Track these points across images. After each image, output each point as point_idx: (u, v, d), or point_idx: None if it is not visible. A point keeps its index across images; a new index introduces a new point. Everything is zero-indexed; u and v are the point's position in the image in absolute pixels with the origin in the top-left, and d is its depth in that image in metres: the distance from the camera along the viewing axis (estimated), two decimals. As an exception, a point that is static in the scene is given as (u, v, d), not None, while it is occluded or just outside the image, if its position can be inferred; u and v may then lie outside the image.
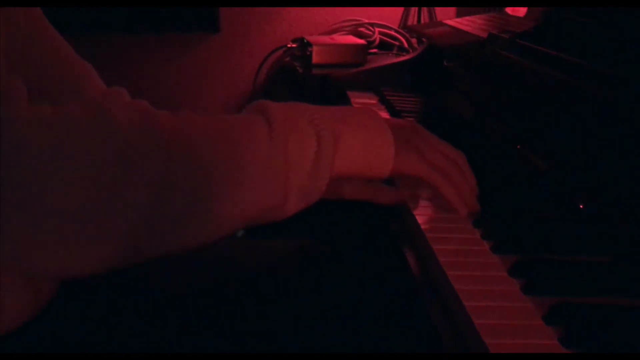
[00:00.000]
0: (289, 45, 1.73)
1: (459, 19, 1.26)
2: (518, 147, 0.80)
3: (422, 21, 1.90)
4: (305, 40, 1.61)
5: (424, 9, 1.88)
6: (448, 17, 2.06)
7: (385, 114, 1.07)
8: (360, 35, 1.80)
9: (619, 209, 0.60)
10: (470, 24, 1.19)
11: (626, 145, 0.64)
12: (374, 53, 1.73)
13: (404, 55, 1.36)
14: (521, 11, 1.05)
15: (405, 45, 1.81)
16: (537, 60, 0.80)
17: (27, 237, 0.45)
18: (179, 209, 0.50)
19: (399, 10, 1.92)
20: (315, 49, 1.49)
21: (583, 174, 0.67)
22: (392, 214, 0.71)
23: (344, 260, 0.80)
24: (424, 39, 1.25)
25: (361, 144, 0.61)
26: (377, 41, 1.78)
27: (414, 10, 1.89)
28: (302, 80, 1.43)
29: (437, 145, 0.66)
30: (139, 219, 0.48)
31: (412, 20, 1.90)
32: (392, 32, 1.84)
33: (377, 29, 1.80)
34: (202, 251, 0.55)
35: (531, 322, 0.46)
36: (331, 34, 1.78)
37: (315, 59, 1.49)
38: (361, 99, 1.21)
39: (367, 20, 1.85)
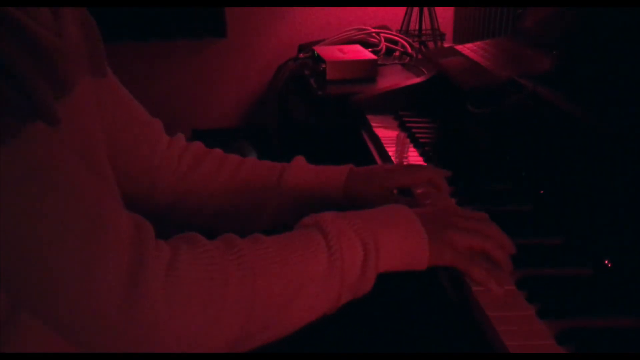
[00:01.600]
0: (300, 56, 1.80)
1: (469, 45, 1.34)
2: (541, 191, 0.91)
3: (423, 25, 1.98)
4: (316, 54, 1.69)
5: (425, 11, 1.96)
6: (448, 14, 2.16)
7: (411, 147, 1.16)
8: (367, 42, 1.88)
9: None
10: (483, 52, 1.27)
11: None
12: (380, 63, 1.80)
13: (417, 78, 1.44)
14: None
15: (409, 50, 1.89)
16: (554, 113, 0.90)
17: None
18: (262, 320, 0.64)
19: (400, 12, 2.00)
20: (329, 65, 1.57)
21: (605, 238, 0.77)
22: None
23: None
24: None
25: (399, 249, 0.71)
26: (384, 49, 1.86)
27: (415, 11, 1.96)
28: (318, 97, 1.51)
29: (465, 223, 0.75)
30: (240, 329, 0.62)
31: (413, 24, 1.98)
32: (396, 37, 1.92)
33: (382, 36, 1.88)
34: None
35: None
36: (338, 43, 1.85)
37: (329, 75, 1.57)
38: (381, 123, 1.30)
39: (371, 27, 1.93)
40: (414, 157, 1.12)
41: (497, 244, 0.75)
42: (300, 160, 0.98)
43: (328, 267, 0.66)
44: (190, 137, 2.14)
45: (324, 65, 1.59)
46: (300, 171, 0.96)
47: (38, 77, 0.56)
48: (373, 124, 1.30)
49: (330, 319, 0.70)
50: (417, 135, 1.19)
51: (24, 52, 0.56)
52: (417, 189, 0.96)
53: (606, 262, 0.74)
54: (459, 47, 1.34)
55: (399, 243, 0.71)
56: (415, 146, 1.16)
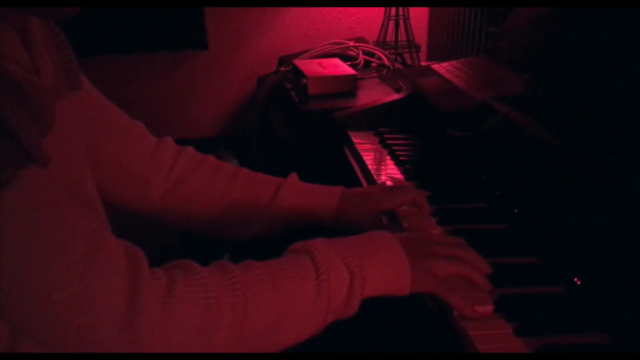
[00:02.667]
0: (281, 69, 1.85)
1: (444, 64, 1.40)
2: (515, 210, 0.97)
3: (399, 36, 2.04)
4: (297, 68, 1.74)
5: (401, 23, 2.02)
6: (422, 25, 2.22)
7: (391, 164, 1.21)
8: (345, 55, 1.93)
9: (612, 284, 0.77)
10: (458, 72, 1.34)
11: (608, 224, 0.81)
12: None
13: (395, 94, 1.50)
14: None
15: (386, 62, 1.95)
16: (525, 138, 0.97)
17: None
18: (253, 342, 0.69)
19: (377, 24, 2.06)
20: (310, 81, 1.62)
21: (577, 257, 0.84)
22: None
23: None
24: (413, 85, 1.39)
25: (383, 277, 0.76)
26: (362, 63, 1.91)
27: (391, 24, 2.02)
28: (300, 113, 1.56)
29: (444, 250, 0.80)
30: (231, 350, 0.68)
31: (390, 36, 2.04)
32: (373, 50, 1.98)
33: (360, 50, 1.94)
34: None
35: None
36: (318, 56, 1.90)
37: (311, 90, 1.62)
38: (362, 139, 1.36)
39: (349, 39, 1.98)
40: (394, 174, 1.18)
41: (474, 267, 0.80)
42: (294, 179, 1.02)
43: (316, 293, 0.71)
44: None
45: (305, 80, 1.64)
46: (294, 191, 1.00)
47: (25, 121, 0.59)
48: (355, 140, 1.35)
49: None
50: (397, 153, 1.25)
51: (10, 98, 0.59)
52: (399, 208, 1.02)
53: (576, 280, 0.81)
54: (435, 67, 1.40)
55: (383, 271, 0.76)
56: (395, 164, 1.22)
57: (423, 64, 1.60)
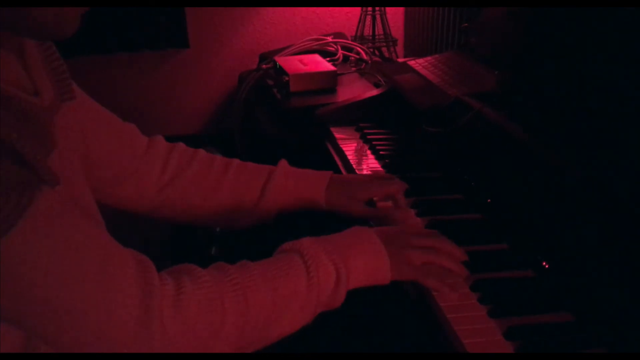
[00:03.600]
0: (263, 67, 1.90)
1: (420, 60, 1.47)
2: (488, 200, 1.04)
3: (376, 30, 2.10)
4: (278, 65, 1.79)
5: (378, 17, 2.07)
6: (399, 19, 2.28)
7: (372, 159, 1.28)
8: (325, 51, 1.99)
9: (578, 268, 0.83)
10: (433, 69, 1.40)
11: (572, 212, 0.88)
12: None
13: (374, 89, 1.56)
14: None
15: (364, 56, 2.00)
16: (497, 133, 1.04)
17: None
18: (254, 334, 0.75)
19: (355, 19, 2.11)
20: (292, 78, 1.68)
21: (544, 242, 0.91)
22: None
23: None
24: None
25: (365, 269, 0.83)
26: (341, 58, 1.97)
27: (369, 19, 2.08)
28: (283, 110, 1.61)
29: (419, 242, 0.87)
30: (236, 342, 0.74)
31: (367, 30, 2.10)
32: (351, 45, 2.03)
33: (339, 45, 1.99)
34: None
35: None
36: (298, 52, 1.95)
37: (292, 87, 1.68)
38: (344, 135, 1.42)
39: (327, 35, 2.04)
40: (375, 168, 1.24)
41: (448, 255, 0.86)
42: (284, 165, 1.06)
43: (307, 287, 0.78)
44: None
45: (287, 78, 1.69)
46: (285, 176, 1.04)
47: (32, 143, 0.63)
48: (336, 136, 1.41)
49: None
50: (378, 147, 1.31)
51: (16, 122, 0.62)
52: (379, 201, 1.07)
53: (544, 264, 0.88)
54: (411, 63, 1.46)
55: (365, 264, 0.83)
56: (376, 158, 1.28)
57: (400, 60, 1.66)
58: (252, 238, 1.14)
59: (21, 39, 0.74)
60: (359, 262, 0.82)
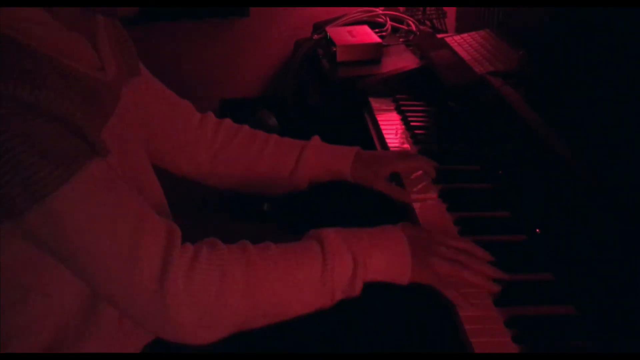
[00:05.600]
0: (315, 37, 2.02)
1: (457, 37, 1.55)
2: (500, 172, 1.15)
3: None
4: (328, 36, 1.91)
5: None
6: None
7: (403, 130, 1.39)
8: (374, 22, 2.09)
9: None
10: (467, 46, 1.49)
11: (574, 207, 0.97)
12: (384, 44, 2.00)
13: (412, 63, 1.66)
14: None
15: (413, 28, 2.09)
16: (514, 110, 1.13)
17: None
18: (262, 310, 0.82)
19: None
20: (339, 49, 1.79)
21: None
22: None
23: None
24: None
25: (384, 266, 0.87)
26: (390, 30, 2.07)
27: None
28: (329, 80, 1.74)
29: (448, 253, 0.88)
30: (244, 315, 0.81)
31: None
32: (400, 15, 2.12)
33: (388, 18, 2.09)
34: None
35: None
36: (348, 24, 2.05)
37: (339, 57, 1.80)
38: (381, 106, 1.53)
39: (379, 8, 2.13)
40: (405, 140, 1.36)
41: (474, 272, 0.88)
42: (316, 140, 1.18)
43: (321, 274, 0.83)
44: (218, 106, 2.39)
45: (334, 48, 1.81)
46: (315, 151, 1.16)
47: (89, 116, 0.75)
48: (374, 106, 1.53)
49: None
50: (410, 119, 1.43)
51: (76, 96, 0.74)
52: (408, 176, 1.17)
53: (537, 230, 0.98)
54: (448, 39, 1.56)
55: (385, 260, 0.87)
56: (407, 129, 1.40)
57: (439, 36, 1.74)
58: (297, 196, 1.26)
59: (93, 22, 0.89)
60: (380, 258, 0.87)
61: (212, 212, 2.29)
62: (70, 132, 0.73)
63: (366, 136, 1.46)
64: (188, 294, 0.76)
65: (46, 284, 0.82)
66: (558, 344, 0.80)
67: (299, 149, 1.17)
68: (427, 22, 2.19)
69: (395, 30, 2.11)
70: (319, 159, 1.16)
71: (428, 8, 2.17)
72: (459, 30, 2.17)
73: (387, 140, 1.36)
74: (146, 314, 0.78)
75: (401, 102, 1.52)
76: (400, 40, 2.02)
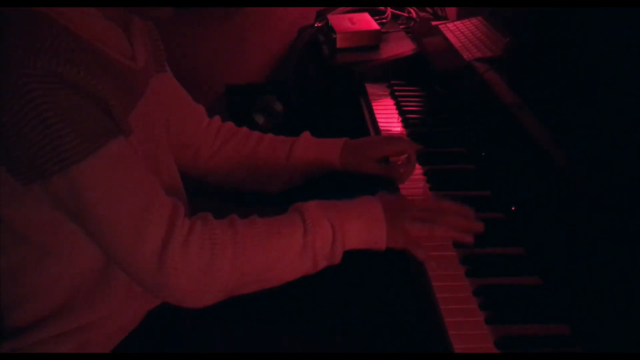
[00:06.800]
0: (316, 25, 2.08)
1: (450, 25, 1.60)
2: (483, 153, 1.20)
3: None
4: (329, 24, 1.96)
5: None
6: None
7: (396, 114, 1.45)
8: (376, 10, 2.14)
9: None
10: (459, 33, 1.54)
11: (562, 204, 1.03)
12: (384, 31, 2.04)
13: (406, 50, 1.71)
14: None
15: (414, 15, 2.14)
16: (497, 94, 1.19)
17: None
18: (251, 277, 0.90)
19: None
20: (338, 36, 1.85)
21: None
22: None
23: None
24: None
25: (361, 234, 0.93)
26: (390, 17, 2.11)
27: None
28: (329, 66, 1.79)
29: (420, 214, 0.95)
30: (235, 281, 0.89)
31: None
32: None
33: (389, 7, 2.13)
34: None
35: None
36: (350, 11, 2.10)
37: (339, 44, 1.85)
38: (376, 91, 1.59)
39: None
40: (397, 124, 1.42)
41: (449, 227, 0.94)
42: (305, 135, 1.24)
43: (302, 244, 0.90)
44: (223, 92, 2.43)
45: (334, 35, 1.86)
46: (304, 145, 1.22)
47: (119, 97, 0.84)
48: (369, 91, 1.59)
49: (308, 281, 0.94)
50: (402, 103, 1.48)
51: (110, 79, 0.84)
52: (394, 158, 1.22)
53: (513, 208, 1.04)
54: (442, 27, 1.61)
55: (361, 229, 0.94)
56: (399, 114, 1.46)
57: (434, 23, 1.78)
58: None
59: (129, 18, 0.96)
60: (356, 225, 0.93)
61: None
62: (101, 110, 0.81)
63: (360, 121, 1.52)
64: (184, 263, 0.84)
65: (64, 247, 0.90)
66: (522, 311, 0.86)
67: (289, 144, 1.24)
68: (429, 9, 2.23)
69: (396, 17, 2.16)
70: (308, 151, 1.22)
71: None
72: (461, 17, 2.23)
73: (380, 125, 1.42)
74: (149, 278, 0.86)
75: (395, 88, 1.57)
76: (401, 27, 2.07)
